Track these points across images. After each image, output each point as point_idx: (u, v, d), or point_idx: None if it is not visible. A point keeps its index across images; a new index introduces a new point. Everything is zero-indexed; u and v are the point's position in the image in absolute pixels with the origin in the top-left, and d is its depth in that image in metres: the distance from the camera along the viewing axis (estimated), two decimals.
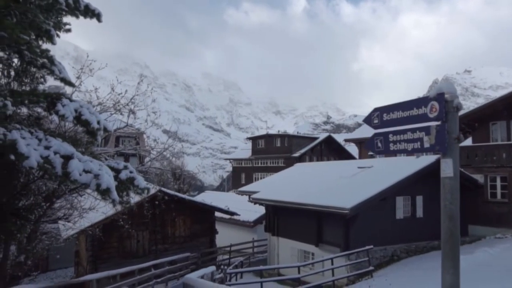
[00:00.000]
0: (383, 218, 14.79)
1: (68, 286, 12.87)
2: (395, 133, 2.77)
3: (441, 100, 2.47)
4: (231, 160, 58.79)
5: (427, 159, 16.21)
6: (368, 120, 3.03)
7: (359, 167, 17.66)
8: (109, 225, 16.23)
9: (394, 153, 2.71)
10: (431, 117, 2.48)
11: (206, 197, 27.65)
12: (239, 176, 54.34)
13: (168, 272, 15.66)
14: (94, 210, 11.88)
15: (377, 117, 2.91)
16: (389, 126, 2.83)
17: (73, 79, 10.08)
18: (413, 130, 2.62)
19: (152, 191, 16.64)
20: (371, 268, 13.07)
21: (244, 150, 58.37)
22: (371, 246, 13.18)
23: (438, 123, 2.48)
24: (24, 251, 9.87)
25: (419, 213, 15.66)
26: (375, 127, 2.94)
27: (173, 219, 19.47)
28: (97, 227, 14.24)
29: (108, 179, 6.62)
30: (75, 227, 12.00)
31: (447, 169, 2.28)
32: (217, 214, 21.91)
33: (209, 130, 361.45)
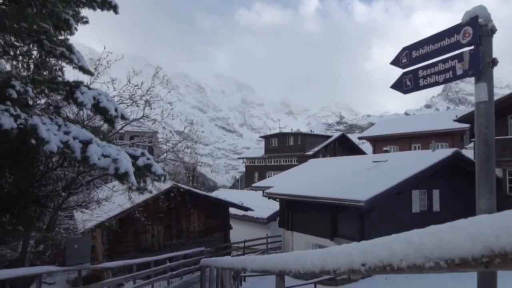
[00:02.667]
0: (399, 212, 14.63)
1: (87, 278, 13.04)
2: (425, 67, 2.75)
3: (475, 24, 2.43)
4: (244, 159, 58.85)
5: (443, 153, 16.01)
6: (396, 61, 2.98)
7: (374, 162, 17.51)
8: (125, 220, 16.42)
9: (424, 88, 2.66)
10: (464, 43, 2.45)
11: (220, 195, 27.76)
12: (252, 175, 54.35)
13: (183, 265, 15.75)
14: (111, 202, 12.05)
15: (406, 55, 2.87)
16: (419, 63, 2.80)
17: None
18: (444, 61, 2.59)
19: (168, 185, 16.79)
20: None
21: (257, 149, 58.40)
22: None
23: (472, 47, 2.44)
24: (43, 240, 10.03)
25: (436, 207, 15.46)
26: (403, 67, 2.89)
27: (187, 214, 19.59)
28: (113, 220, 14.41)
29: (126, 163, 6.69)
30: (92, 218, 12.17)
31: (482, 93, 2.24)
32: (231, 211, 21.96)
33: (221, 131, 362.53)
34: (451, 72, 2.45)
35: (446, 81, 2.50)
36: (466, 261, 1.09)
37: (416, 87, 2.72)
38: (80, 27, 10.15)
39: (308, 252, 2.13)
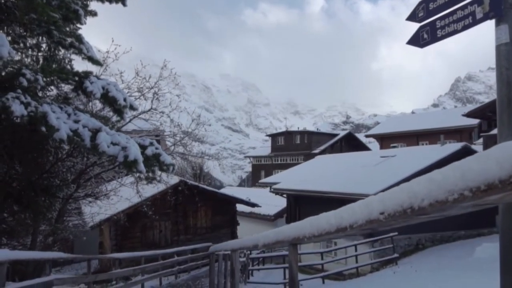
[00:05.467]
0: None
1: (96, 273, 13.11)
2: (442, 17, 2.73)
3: None
4: (251, 158, 58.86)
5: (452, 147, 15.90)
6: (412, 16, 2.94)
7: (381, 157, 17.43)
8: (133, 215, 16.50)
9: (442, 39, 2.63)
10: None
11: (227, 192, 27.76)
12: (259, 174, 54.29)
13: (190, 260, 15.78)
14: (119, 196, 12.12)
15: (423, 9, 2.83)
16: (436, 14, 2.77)
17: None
18: (463, 7, 2.56)
19: (175, 180, 16.85)
20: (395, 255, 12.86)
21: (264, 148, 58.41)
22: (396, 233, 12.97)
23: None
24: (52, 232, 10.10)
25: None
26: (420, 21, 2.86)
27: (195, 210, 19.62)
28: (122, 214, 14.49)
29: (135, 151, 6.72)
30: (101, 211, 12.25)
31: (503, 35, 2.21)
32: (238, 208, 21.92)
33: (228, 131, 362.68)
34: (470, 18, 2.42)
35: (465, 28, 2.46)
36: (492, 185, 1.07)
37: (434, 39, 2.69)
38: (87, 28, 10.19)
39: (323, 214, 2.12)
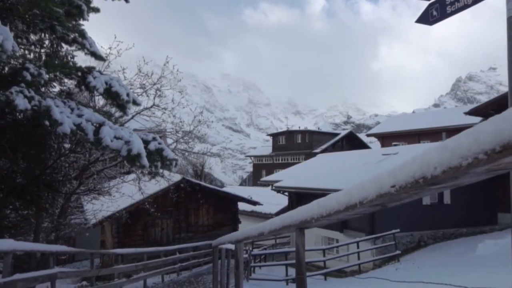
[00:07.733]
0: (410, 204, 14.49)
1: (98, 268, 13.12)
2: None
3: None
4: (252, 157, 58.85)
5: None
6: None
7: (383, 154, 17.42)
8: (134, 213, 16.52)
9: (452, 15, 2.63)
10: None
11: (228, 190, 27.75)
12: (260, 173, 54.27)
13: (192, 257, 15.80)
14: (121, 193, 12.13)
15: None
16: None
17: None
18: None
19: (177, 178, 16.87)
20: (397, 252, 12.85)
21: (265, 147, 58.41)
22: (398, 230, 12.97)
23: None
24: (55, 228, 10.11)
25: (447, 199, 15.33)
26: None
27: (196, 208, 19.65)
28: (124, 212, 14.51)
29: (138, 145, 6.73)
30: (103, 208, 12.26)
31: None
32: (239, 207, 21.92)
33: (228, 131, 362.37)
34: None
35: (475, 1, 2.46)
36: (508, 145, 1.06)
37: (443, 15, 2.68)
38: (89, 27, 10.18)
39: (332, 194, 2.11)
